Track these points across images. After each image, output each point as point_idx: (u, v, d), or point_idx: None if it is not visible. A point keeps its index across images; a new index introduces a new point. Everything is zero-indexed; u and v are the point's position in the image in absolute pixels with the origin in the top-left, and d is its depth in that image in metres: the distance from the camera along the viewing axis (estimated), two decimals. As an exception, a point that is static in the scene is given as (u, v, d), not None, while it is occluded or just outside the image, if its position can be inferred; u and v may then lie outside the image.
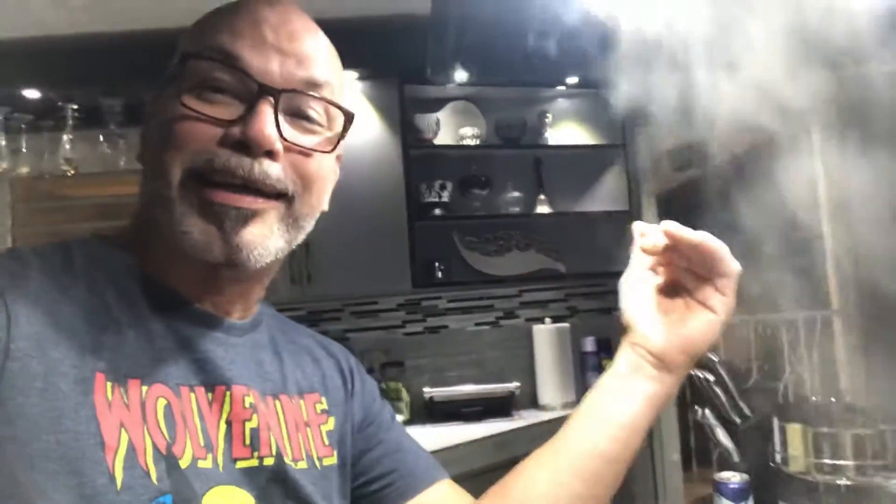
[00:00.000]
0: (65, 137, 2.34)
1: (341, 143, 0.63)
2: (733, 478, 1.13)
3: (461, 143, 2.75)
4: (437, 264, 2.66)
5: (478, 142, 2.76)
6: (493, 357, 2.80)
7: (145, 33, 2.15)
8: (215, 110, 0.55)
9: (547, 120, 2.84)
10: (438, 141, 2.73)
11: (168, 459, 0.52)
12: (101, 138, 2.37)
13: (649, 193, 2.98)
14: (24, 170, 2.37)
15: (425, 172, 2.67)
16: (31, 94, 2.31)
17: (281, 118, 0.56)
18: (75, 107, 2.36)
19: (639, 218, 2.92)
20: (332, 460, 0.66)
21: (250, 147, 0.54)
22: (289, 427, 0.63)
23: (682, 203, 3.33)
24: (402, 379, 2.63)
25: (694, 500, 3.09)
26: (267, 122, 0.55)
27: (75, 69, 2.24)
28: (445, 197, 2.66)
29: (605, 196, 2.91)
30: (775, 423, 1.19)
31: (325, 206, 0.64)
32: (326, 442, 0.66)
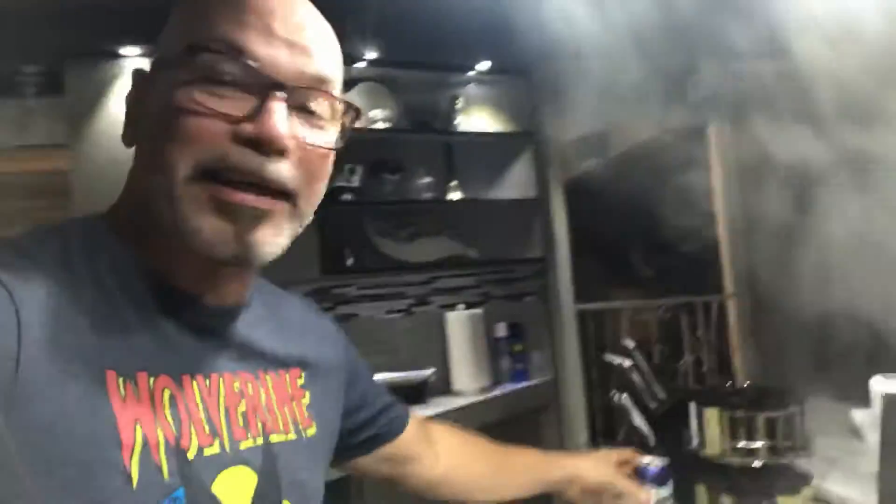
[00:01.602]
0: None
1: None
2: (654, 462, 1.14)
3: (371, 126, 2.67)
4: (346, 251, 2.58)
5: (388, 125, 2.68)
6: (406, 344, 2.75)
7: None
8: (225, 105, 0.54)
9: (458, 105, 2.80)
10: (347, 124, 2.63)
11: (178, 453, 0.53)
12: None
13: (557, 182, 3.02)
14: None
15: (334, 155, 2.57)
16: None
17: (290, 114, 0.56)
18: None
19: (547, 206, 2.96)
20: (313, 430, 0.69)
21: (262, 145, 0.54)
22: (277, 401, 0.66)
23: (586, 190, 3.40)
24: (311, 370, 2.54)
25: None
26: (279, 119, 0.55)
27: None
28: (355, 182, 2.57)
29: (515, 183, 2.91)
30: (692, 407, 1.22)
31: (322, 195, 0.64)
32: (307, 414, 0.69)
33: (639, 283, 3.78)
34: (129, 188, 0.60)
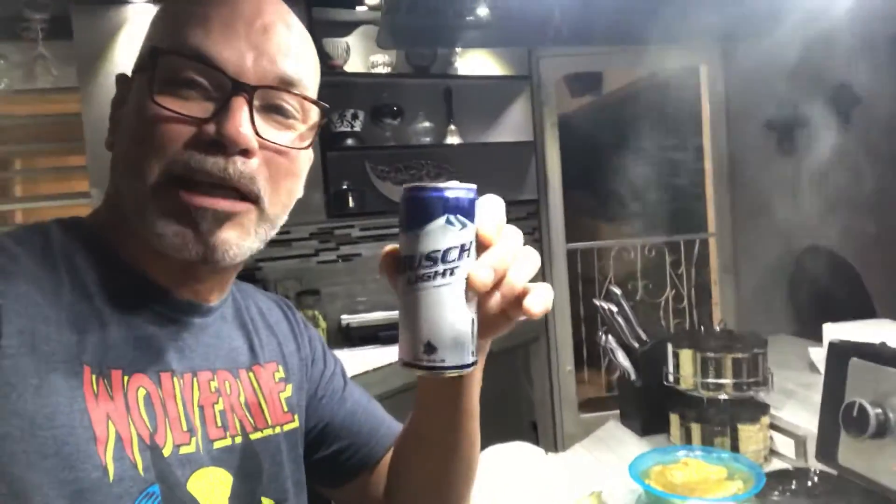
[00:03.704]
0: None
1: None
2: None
3: (372, 70, 2.73)
4: (349, 194, 2.69)
5: (389, 70, 2.75)
6: (405, 283, 2.90)
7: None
8: (188, 107, 0.54)
9: (457, 49, 2.86)
10: (349, 68, 2.69)
11: (152, 449, 0.53)
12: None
13: (552, 124, 3.11)
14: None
15: (336, 100, 2.64)
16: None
17: (256, 115, 0.56)
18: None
19: (542, 147, 3.06)
20: (293, 425, 0.69)
21: (225, 146, 0.54)
22: (257, 398, 0.66)
23: (577, 127, 3.50)
24: (318, 306, 2.70)
25: (584, 399, 3.44)
26: (241, 120, 0.54)
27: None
28: (357, 126, 2.66)
29: (511, 126, 3.00)
30: (669, 348, 1.39)
31: (300, 193, 0.64)
32: (285, 409, 0.69)
33: (625, 220, 3.93)
34: (108, 191, 0.61)
